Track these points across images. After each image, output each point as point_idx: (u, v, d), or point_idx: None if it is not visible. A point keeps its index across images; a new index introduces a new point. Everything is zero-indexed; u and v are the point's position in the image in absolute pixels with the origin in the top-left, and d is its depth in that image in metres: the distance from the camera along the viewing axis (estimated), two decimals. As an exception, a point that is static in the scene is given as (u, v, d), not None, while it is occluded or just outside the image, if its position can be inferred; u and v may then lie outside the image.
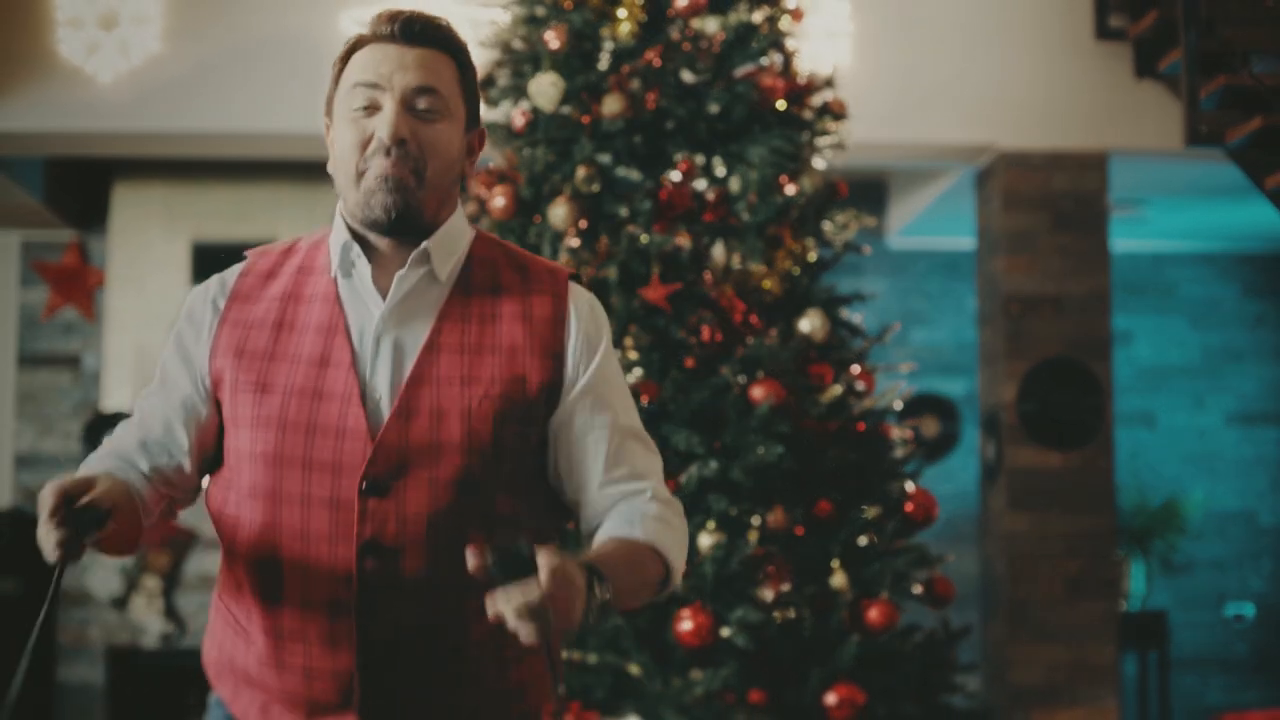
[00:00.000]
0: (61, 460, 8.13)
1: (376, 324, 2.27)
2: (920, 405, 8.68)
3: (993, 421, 6.97)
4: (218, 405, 2.34)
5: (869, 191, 8.55)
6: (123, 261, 7.85)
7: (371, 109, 2.25)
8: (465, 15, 6.36)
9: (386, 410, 2.24)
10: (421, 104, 2.26)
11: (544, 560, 1.93)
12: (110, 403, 7.74)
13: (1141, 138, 6.81)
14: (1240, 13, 6.15)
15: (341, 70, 2.32)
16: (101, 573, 7.44)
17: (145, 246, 7.84)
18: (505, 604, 1.92)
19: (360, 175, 2.25)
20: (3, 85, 6.65)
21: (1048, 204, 6.89)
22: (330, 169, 2.34)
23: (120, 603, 7.49)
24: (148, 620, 7.47)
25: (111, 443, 2.38)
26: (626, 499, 2.33)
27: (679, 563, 2.31)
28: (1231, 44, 6.01)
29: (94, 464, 2.34)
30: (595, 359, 2.36)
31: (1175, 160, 6.89)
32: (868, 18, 6.70)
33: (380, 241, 2.31)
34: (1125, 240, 8.65)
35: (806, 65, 5.39)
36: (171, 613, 7.47)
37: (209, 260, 7.77)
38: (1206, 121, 6.09)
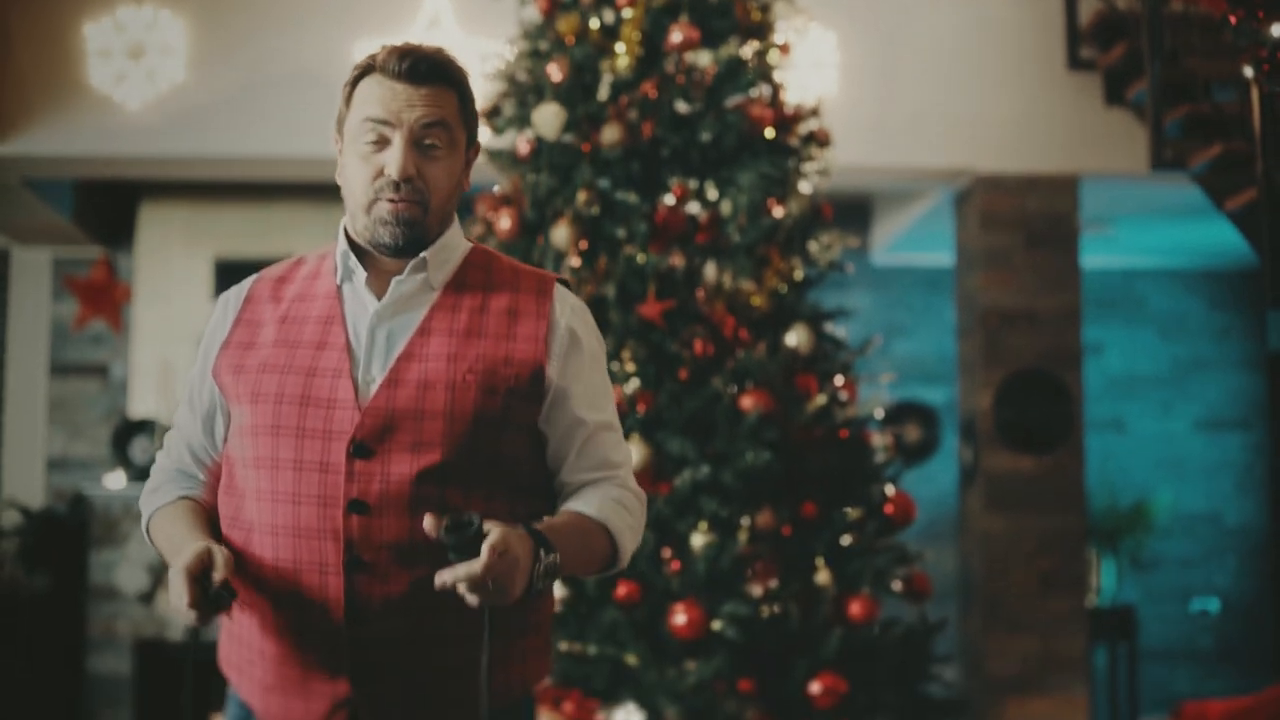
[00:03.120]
0: (89, 464, 8.52)
1: (371, 318, 2.47)
2: (903, 412, 9.09)
3: (970, 427, 7.37)
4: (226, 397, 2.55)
5: (855, 212, 8.95)
6: (149, 277, 8.23)
7: (381, 144, 2.44)
8: (474, 47, 6.79)
9: (376, 384, 2.43)
10: (428, 140, 2.45)
11: (490, 537, 2.20)
12: (137, 410, 8.11)
13: (1111, 162, 7.19)
14: (1202, 44, 6.48)
15: (351, 94, 2.51)
16: (129, 569, 7.79)
17: (169, 263, 8.22)
18: (451, 577, 2.20)
19: (371, 204, 2.46)
20: (37, 112, 7.04)
21: (1022, 224, 7.29)
22: (339, 180, 2.54)
23: (147, 598, 7.81)
24: (172, 613, 7.84)
25: (168, 460, 2.63)
26: (595, 483, 2.55)
27: (627, 544, 2.53)
28: (1193, 74, 6.35)
29: (165, 489, 2.61)
30: (579, 354, 2.56)
31: (1143, 183, 7.25)
32: (852, 49, 7.09)
33: (382, 255, 2.53)
34: (1097, 256, 9.04)
35: (793, 95, 5.79)
36: (194, 608, 7.83)
37: (230, 275, 8.16)
38: (1171, 147, 6.46)
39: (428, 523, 2.23)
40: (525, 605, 2.37)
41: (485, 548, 2.19)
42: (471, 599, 2.19)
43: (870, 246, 9.18)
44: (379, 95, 2.45)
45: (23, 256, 8.77)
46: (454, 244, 2.56)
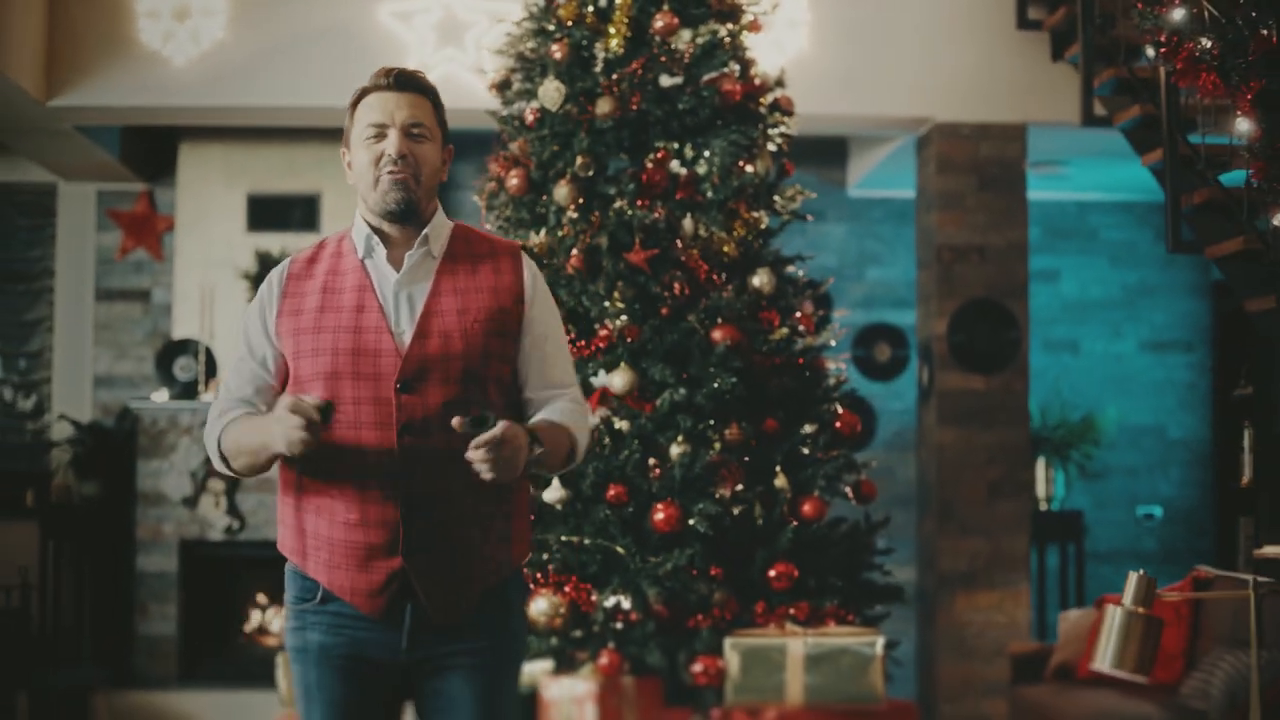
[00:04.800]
0: (133, 381, 9.39)
1: (394, 284, 3.20)
2: (875, 334, 9.96)
3: (927, 351, 8.25)
4: (283, 354, 3.25)
5: (833, 148, 9.77)
6: (188, 210, 9.06)
7: (380, 136, 3.20)
8: (486, 9, 7.62)
9: (408, 337, 3.15)
10: (414, 131, 3.21)
11: (500, 425, 2.98)
12: (180, 331, 8.97)
13: (1056, 113, 7.97)
14: (1127, 11, 7.20)
15: (354, 113, 3.26)
16: (175, 477, 8.69)
17: (208, 197, 9.03)
18: (475, 453, 2.96)
19: (377, 180, 3.20)
20: (90, 68, 7.84)
21: (975, 168, 8.12)
22: (351, 182, 3.27)
23: (190, 502, 8.67)
24: (214, 516, 8.66)
25: (229, 396, 3.30)
26: (554, 398, 3.29)
27: (582, 442, 3.31)
28: (1118, 41, 7.12)
29: (231, 412, 3.27)
30: (543, 302, 3.33)
31: (1085, 131, 8.05)
32: (823, 9, 7.88)
33: (392, 230, 3.25)
34: (1053, 191, 9.87)
35: (766, 57, 6.66)
36: (233, 510, 8.67)
37: (262, 208, 9.05)
38: (1105, 104, 7.28)
39: (455, 421, 2.99)
40: (509, 495, 3.22)
41: (500, 430, 2.97)
42: (488, 474, 2.99)
43: (846, 181, 9.99)
44: (374, 103, 3.26)
45: (68, 190, 9.57)
46: (443, 222, 3.35)
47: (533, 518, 5.82)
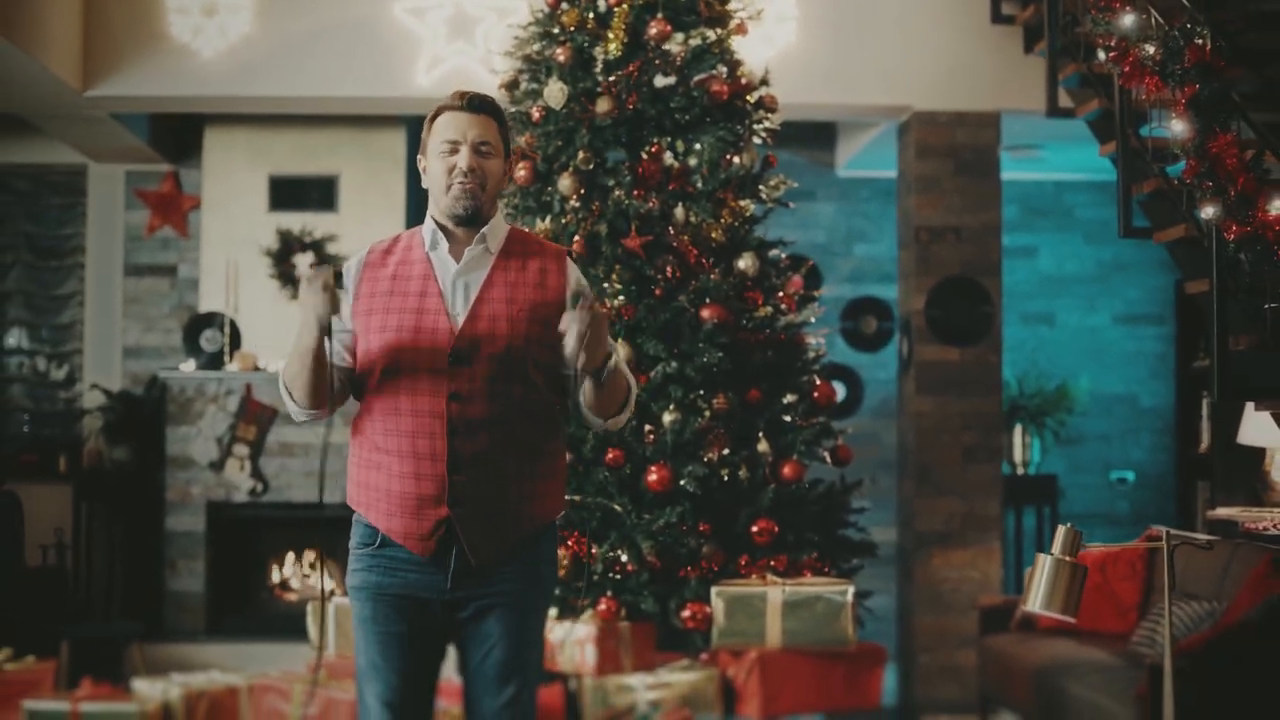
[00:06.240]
0: (160, 352, 9.94)
1: (453, 274, 3.72)
2: (862, 307, 10.52)
3: (907, 325, 8.80)
4: (353, 330, 3.89)
5: (822, 132, 10.31)
6: (214, 190, 9.57)
7: (453, 151, 3.73)
8: (493, 5, 8.15)
9: (461, 318, 3.67)
10: (482, 148, 3.74)
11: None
12: (206, 305, 9.52)
13: (1028, 102, 8.45)
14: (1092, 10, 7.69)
15: (431, 127, 3.77)
16: (202, 443, 9.24)
17: (232, 178, 9.54)
18: (570, 309, 3.56)
19: (448, 188, 3.72)
20: (124, 61, 8.38)
21: (951, 154, 8.65)
22: (425, 185, 3.79)
23: (217, 466, 9.19)
24: (238, 479, 9.19)
25: None
26: None
27: (633, 389, 3.85)
28: (1079, 39, 7.60)
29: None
30: (585, 297, 3.72)
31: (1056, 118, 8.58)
32: (810, 4, 8.41)
33: (456, 229, 3.75)
34: (1031, 172, 10.42)
35: (756, 50, 7.23)
36: (257, 473, 9.21)
37: (282, 188, 9.57)
38: (1072, 98, 7.81)
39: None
40: (543, 458, 3.78)
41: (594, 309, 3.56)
42: (574, 343, 3.57)
43: (835, 162, 10.54)
44: (450, 122, 3.81)
45: (98, 171, 10.10)
46: (501, 225, 3.90)
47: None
